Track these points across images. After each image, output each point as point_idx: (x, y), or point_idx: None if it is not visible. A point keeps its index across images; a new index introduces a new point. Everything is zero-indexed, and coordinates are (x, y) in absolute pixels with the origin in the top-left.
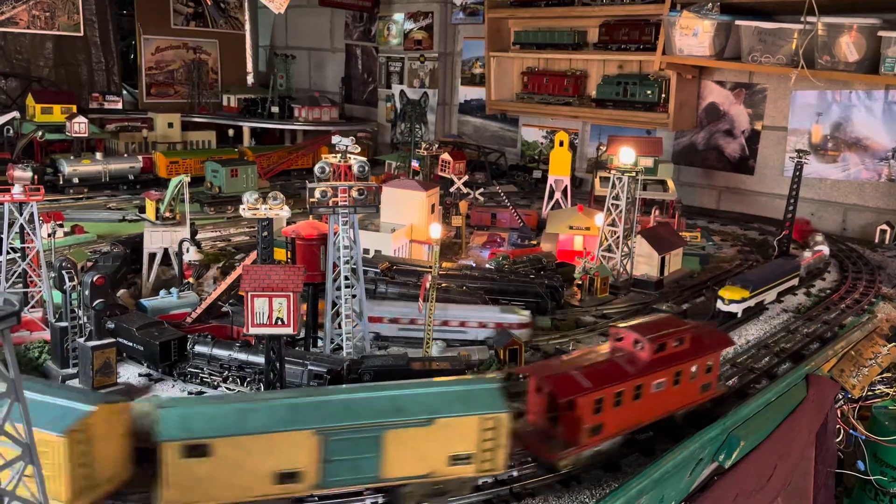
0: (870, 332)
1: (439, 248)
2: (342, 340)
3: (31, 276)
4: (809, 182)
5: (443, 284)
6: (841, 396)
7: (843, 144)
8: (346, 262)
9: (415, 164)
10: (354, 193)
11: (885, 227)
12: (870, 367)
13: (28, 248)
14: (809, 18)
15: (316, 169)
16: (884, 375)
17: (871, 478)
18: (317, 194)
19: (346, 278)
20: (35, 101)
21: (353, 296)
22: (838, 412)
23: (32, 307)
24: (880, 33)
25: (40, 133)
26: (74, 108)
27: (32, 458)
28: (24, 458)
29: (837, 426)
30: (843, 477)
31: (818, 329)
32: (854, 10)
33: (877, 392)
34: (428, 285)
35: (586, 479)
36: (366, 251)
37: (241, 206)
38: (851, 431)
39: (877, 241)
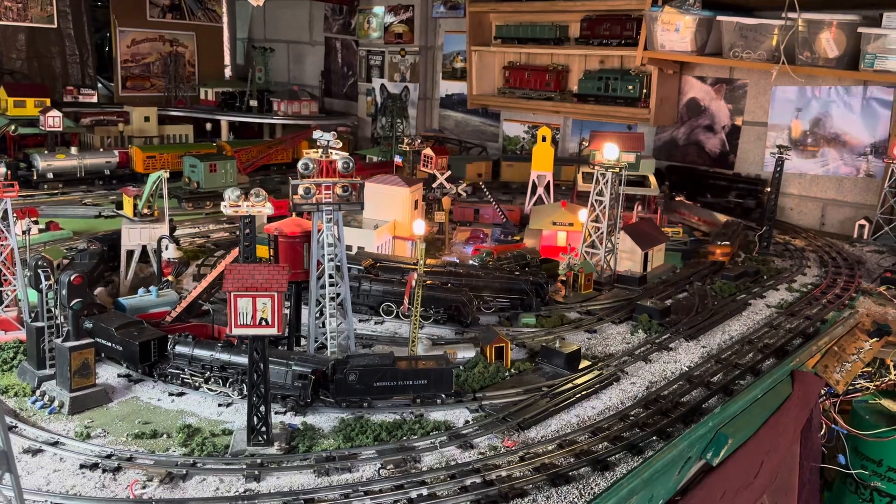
0: (852, 328)
1: (424, 246)
2: (326, 339)
3: (5, 275)
4: (789, 177)
5: (428, 282)
6: (824, 392)
7: (822, 140)
8: (331, 260)
9: (398, 159)
10: (339, 190)
11: (863, 221)
12: (853, 362)
13: (2, 245)
14: (790, 14)
15: (300, 166)
16: (864, 370)
17: (852, 471)
18: (300, 191)
19: (331, 276)
20: (7, 94)
21: (338, 294)
22: (820, 407)
23: (7, 306)
24: (860, 29)
25: (13, 127)
26: (48, 102)
27: (10, 465)
28: (1, 465)
29: (820, 421)
30: (823, 471)
31: (801, 324)
32: (834, 6)
33: (857, 386)
34: (414, 283)
35: (575, 479)
36: (348, 248)
37: (223, 203)
38: (833, 426)
39: (855, 235)
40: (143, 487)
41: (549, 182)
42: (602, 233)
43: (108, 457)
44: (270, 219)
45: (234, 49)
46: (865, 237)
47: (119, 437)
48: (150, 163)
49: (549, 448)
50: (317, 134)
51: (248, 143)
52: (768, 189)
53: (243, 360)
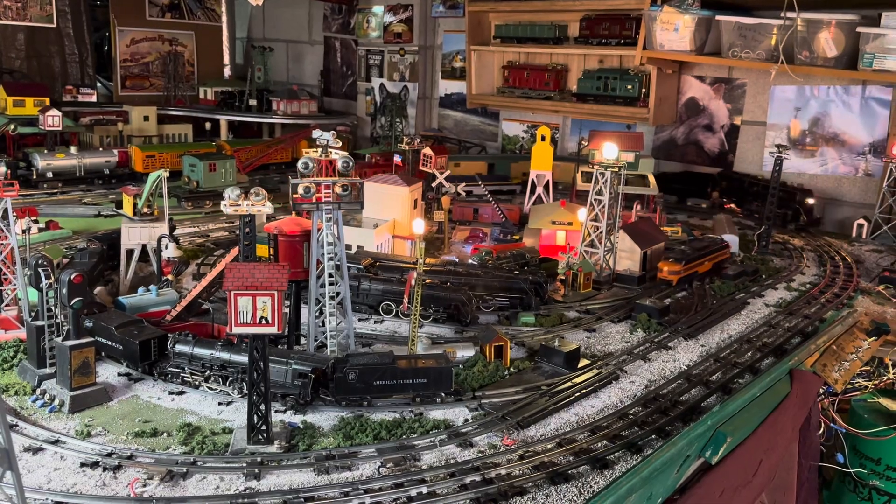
0: (850, 327)
1: (423, 245)
2: (326, 338)
3: (5, 274)
4: (788, 176)
5: (428, 281)
6: (823, 391)
7: (821, 139)
8: (330, 259)
9: (397, 159)
10: (338, 189)
11: (862, 221)
12: (851, 361)
13: (2, 244)
14: (789, 14)
15: (300, 165)
16: (862, 369)
17: (851, 470)
18: (300, 190)
19: (330, 275)
20: (7, 93)
21: (337, 293)
22: (819, 406)
23: (7, 305)
24: (859, 29)
25: (12, 126)
26: (48, 101)
27: (11, 463)
28: (3, 464)
29: (819, 420)
30: (822, 469)
31: (799, 323)
32: (833, 5)
33: (856, 385)
34: (413, 282)
35: (574, 478)
36: (348, 247)
37: (223, 203)
38: (831, 424)
39: (854, 234)
40: (144, 486)
41: (548, 181)
42: (601, 232)
43: (109, 455)
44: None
45: (233, 48)
46: (864, 236)
47: (119, 435)
48: (150, 162)
49: (549, 446)
50: (316, 133)
51: (248, 143)
52: (812, 201)
53: (243, 358)
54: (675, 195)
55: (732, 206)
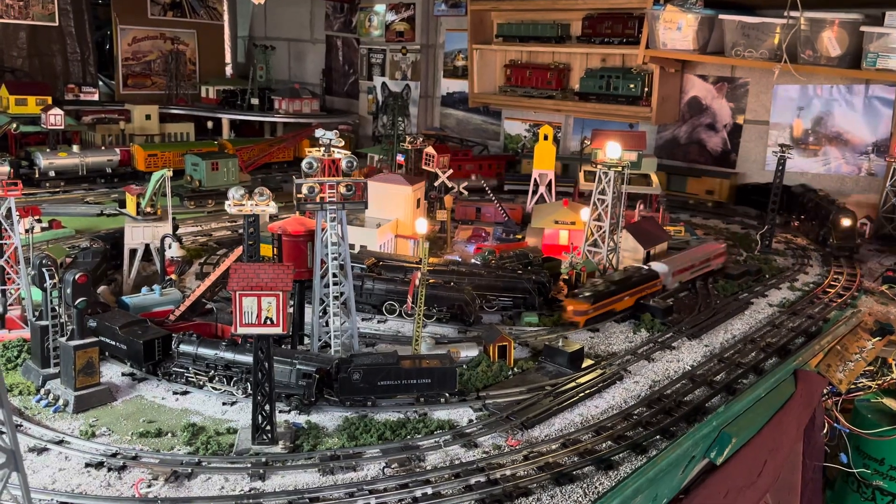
0: (854, 327)
1: (428, 245)
2: (330, 338)
3: (8, 273)
4: (790, 176)
5: (431, 281)
6: (826, 391)
7: (823, 139)
8: (334, 259)
9: (400, 158)
10: (342, 189)
11: (864, 220)
12: (856, 361)
13: (5, 244)
14: (792, 13)
15: (304, 164)
16: (866, 369)
17: (854, 470)
18: (304, 190)
19: (334, 275)
20: (9, 92)
21: (341, 293)
22: (823, 406)
23: (10, 304)
24: (862, 28)
25: (15, 125)
26: (50, 100)
27: (17, 464)
28: (9, 465)
29: (823, 420)
30: (825, 469)
31: (803, 323)
32: (836, 4)
33: (860, 385)
34: (417, 282)
35: (579, 478)
36: (351, 246)
37: (227, 202)
38: (835, 424)
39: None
40: (149, 486)
41: (550, 180)
42: (604, 231)
43: (114, 455)
44: None
45: (235, 47)
46: (867, 236)
47: (124, 435)
48: (152, 161)
49: (553, 447)
50: (319, 132)
51: (250, 142)
52: (848, 222)
53: (248, 358)
54: (755, 207)
55: (797, 223)
